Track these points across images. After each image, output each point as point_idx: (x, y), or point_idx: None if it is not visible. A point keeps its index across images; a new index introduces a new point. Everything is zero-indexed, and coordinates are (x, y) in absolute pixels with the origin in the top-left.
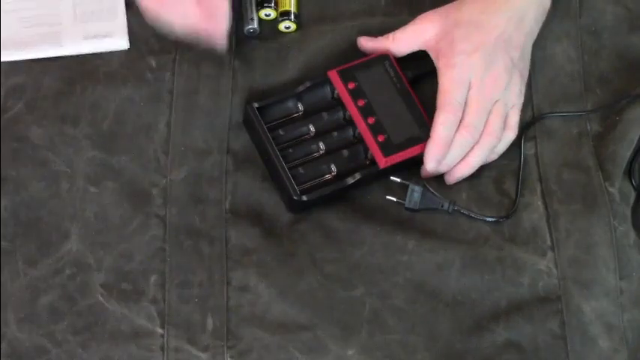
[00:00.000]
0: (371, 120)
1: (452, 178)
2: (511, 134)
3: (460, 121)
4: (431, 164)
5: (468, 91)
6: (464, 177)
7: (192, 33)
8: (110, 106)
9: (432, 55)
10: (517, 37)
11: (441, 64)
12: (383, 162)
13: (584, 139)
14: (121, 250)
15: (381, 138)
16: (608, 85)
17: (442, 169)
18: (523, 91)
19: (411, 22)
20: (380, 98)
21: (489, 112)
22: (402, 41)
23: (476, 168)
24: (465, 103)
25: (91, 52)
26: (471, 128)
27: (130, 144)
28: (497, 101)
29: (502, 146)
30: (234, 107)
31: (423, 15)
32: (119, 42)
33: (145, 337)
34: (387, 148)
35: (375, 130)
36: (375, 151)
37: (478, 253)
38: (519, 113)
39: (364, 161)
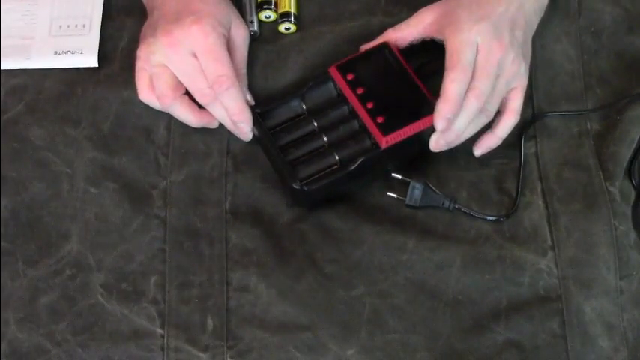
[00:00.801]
0: (370, 104)
1: (436, 146)
2: (513, 118)
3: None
4: (441, 123)
5: (476, 56)
6: (449, 147)
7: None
8: (111, 107)
9: (437, 35)
10: (519, 19)
11: (447, 33)
12: (383, 142)
13: (584, 139)
14: (121, 251)
15: (380, 120)
16: (607, 85)
17: (450, 137)
18: (527, 74)
19: (413, 15)
20: (379, 83)
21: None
22: (404, 30)
23: (463, 140)
24: (473, 69)
25: (59, 68)
26: (477, 91)
27: (130, 146)
28: (499, 76)
29: (504, 131)
30: None
31: (423, 7)
32: (88, 59)
33: (145, 337)
34: (387, 128)
35: (375, 113)
36: (375, 132)
37: (478, 253)
38: (522, 97)
39: (368, 147)
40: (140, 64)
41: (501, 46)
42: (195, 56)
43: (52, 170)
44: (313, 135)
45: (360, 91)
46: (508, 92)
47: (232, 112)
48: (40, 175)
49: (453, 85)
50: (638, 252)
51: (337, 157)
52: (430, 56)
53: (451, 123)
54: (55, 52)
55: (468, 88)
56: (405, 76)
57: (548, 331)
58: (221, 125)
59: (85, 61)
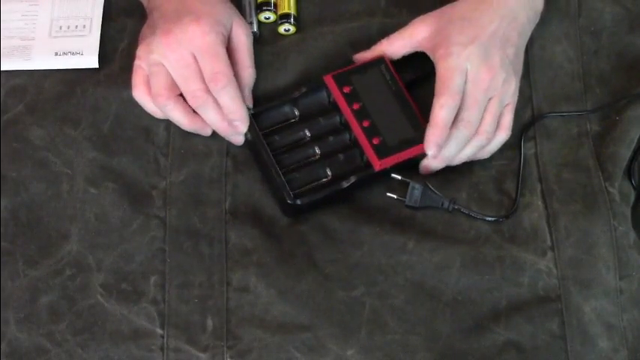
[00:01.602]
0: (366, 123)
1: (425, 170)
2: (504, 135)
3: (456, 116)
4: (432, 149)
5: (465, 83)
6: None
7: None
8: (111, 108)
9: (429, 53)
10: (511, 34)
11: (437, 56)
12: (378, 165)
13: (584, 139)
14: (120, 251)
15: (376, 141)
16: (607, 85)
17: (439, 164)
18: (517, 90)
19: (406, 26)
20: (375, 101)
21: (484, 109)
22: (397, 43)
23: (459, 163)
24: (463, 96)
25: (59, 69)
26: (466, 123)
27: (130, 146)
28: (491, 98)
29: (494, 146)
30: None
31: (417, 18)
32: (89, 60)
33: (144, 338)
34: (382, 151)
35: (370, 133)
36: (370, 154)
37: (478, 253)
38: (513, 113)
39: (360, 164)
40: (138, 63)
41: (491, 70)
42: (193, 56)
43: (52, 170)
44: (305, 143)
45: (356, 107)
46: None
47: (229, 110)
48: (39, 176)
49: (441, 111)
50: (638, 252)
51: (329, 172)
52: (422, 70)
53: (442, 148)
54: (56, 53)
55: (457, 119)
56: (400, 95)
57: (547, 332)
58: None
59: (85, 62)
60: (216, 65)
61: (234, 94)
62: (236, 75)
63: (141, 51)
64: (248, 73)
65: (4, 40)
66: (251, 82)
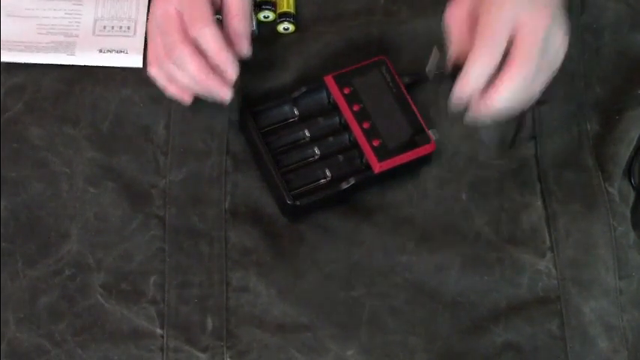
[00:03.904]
0: (366, 125)
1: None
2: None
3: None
4: (457, 101)
5: (518, 29)
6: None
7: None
8: (110, 106)
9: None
10: None
11: (483, 9)
12: (378, 167)
13: (583, 139)
14: (120, 251)
15: (376, 143)
16: (608, 84)
17: (485, 110)
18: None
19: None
20: (375, 103)
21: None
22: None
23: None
24: (517, 41)
25: (103, 65)
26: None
27: (129, 145)
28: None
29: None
30: (233, 108)
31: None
32: (133, 59)
33: (144, 338)
34: (382, 153)
35: (370, 134)
36: (370, 155)
37: (477, 254)
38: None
39: (359, 166)
40: (148, 37)
41: (544, 13)
42: (177, 11)
43: (52, 170)
44: (304, 143)
45: (356, 108)
46: None
47: (212, 52)
48: (39, 175)
49: (475, 66)
50: (637, 252)
51: (328, 172)
52: (420, 75)
53: (465, 100)
54: (100, 50)
55: (513, 64)
56: (401, 97)
57: (547, 333)
58: (220, 125)
59: (129, 61)
60: (194, 11)
61: (214, 34)
62: (227, 25)
63: (147, 23)
64: (237, 20)
65: (48, 35)
66: (242, 30)
